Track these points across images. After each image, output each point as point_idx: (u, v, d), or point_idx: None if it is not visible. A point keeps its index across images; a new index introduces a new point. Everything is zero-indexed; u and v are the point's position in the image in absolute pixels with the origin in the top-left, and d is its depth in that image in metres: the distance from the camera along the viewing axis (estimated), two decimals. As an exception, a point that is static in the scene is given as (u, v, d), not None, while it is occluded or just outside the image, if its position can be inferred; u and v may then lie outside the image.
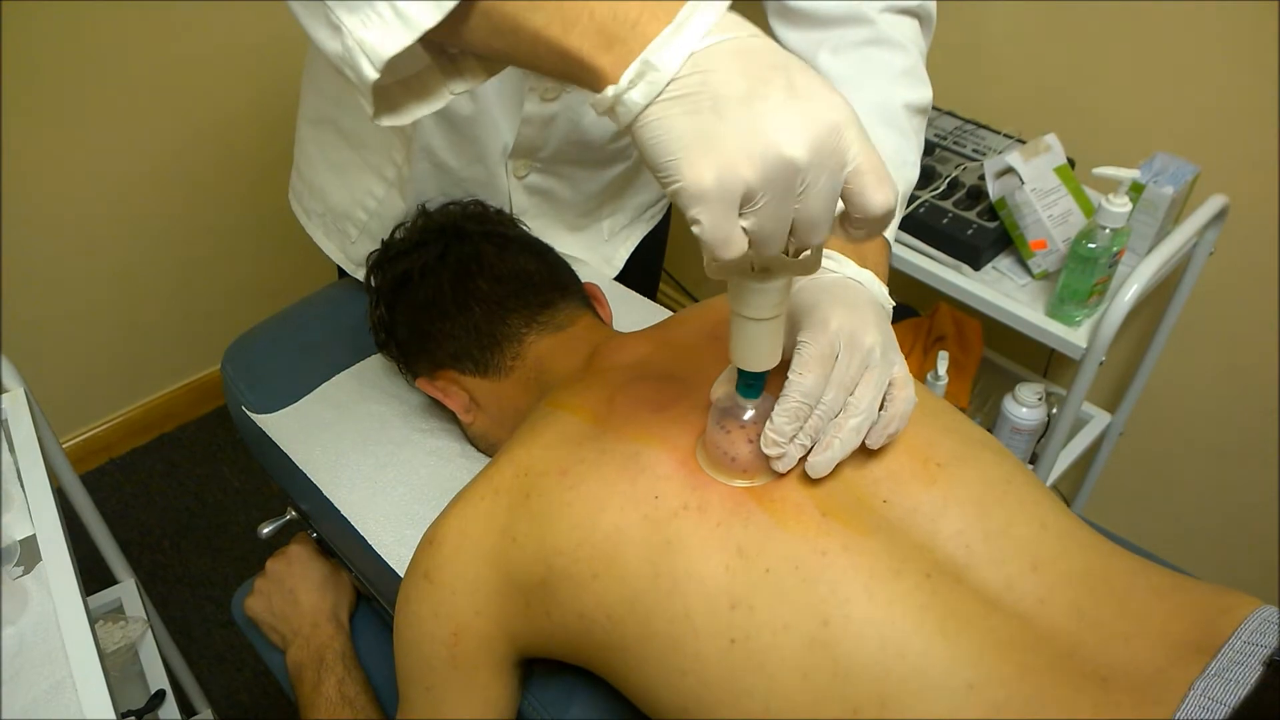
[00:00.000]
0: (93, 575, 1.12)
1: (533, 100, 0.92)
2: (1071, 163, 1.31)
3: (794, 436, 0.63)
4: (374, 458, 0.93)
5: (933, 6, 0.86)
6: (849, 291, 0.67)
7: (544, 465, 0.70)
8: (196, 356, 2.02)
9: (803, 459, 0.64)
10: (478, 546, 0.69)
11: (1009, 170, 1.26)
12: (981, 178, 1.32)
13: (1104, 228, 1.14)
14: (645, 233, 1.21)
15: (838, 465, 0.66)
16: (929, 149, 1.41)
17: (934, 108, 1.49)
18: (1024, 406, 1.33)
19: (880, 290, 0.71)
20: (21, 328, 1.69)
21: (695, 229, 0.46)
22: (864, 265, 0.71)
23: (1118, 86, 1.43)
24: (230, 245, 1.95)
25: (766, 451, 0.63)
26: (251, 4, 1.69)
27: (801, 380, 0.62)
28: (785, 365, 0.63)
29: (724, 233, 0.46)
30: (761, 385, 0.63)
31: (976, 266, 1.30)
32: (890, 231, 0.77)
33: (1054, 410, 1.39)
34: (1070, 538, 0.68)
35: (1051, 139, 1.29)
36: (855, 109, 0.50)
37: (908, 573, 0.61)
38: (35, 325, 1.73)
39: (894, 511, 0.65)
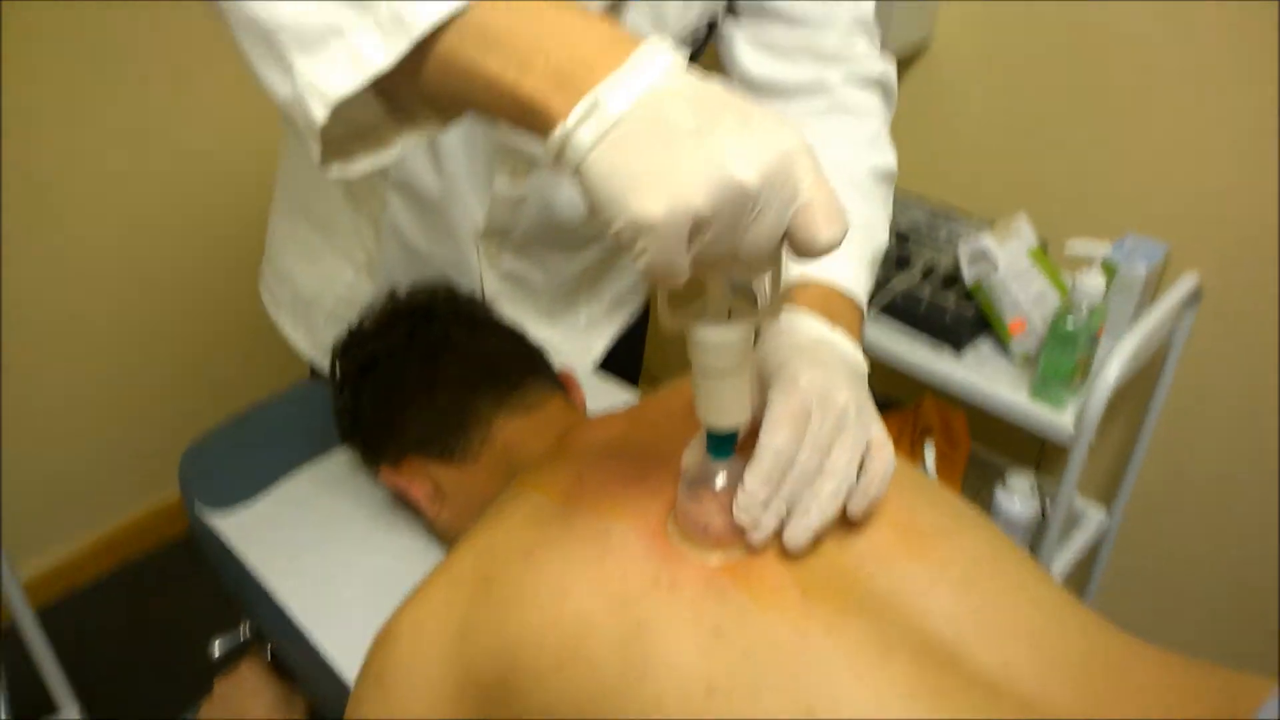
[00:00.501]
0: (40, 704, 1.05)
1: (502, 179, 0.91)
2: (1043, 245, 1.32)
3: (768, 502, 0.59)
4: (333, 559, 0.88)
5: (894, 78, 0.87)
6: (819, 350, 0.65)
7: (507, 548, 0.65)
8: (165, 477, 1.97)
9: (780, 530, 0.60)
10: (434, 642, 0.64)
11: (983, 254, 1.26)
12: (956, 263, 1.32)
13: (1080, 305, 1.12)
14: (624, 323, 1.19)
15: (819, 541, 0.62)
16: (901, 238, 1.41)
17: (904, 196, 1.51)
18: (1016, 495, 1.29)
19: (853, 351, 0.69)
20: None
21: (640, 261, 0.44)
22: (835, 325, 0.69)
23: (1085, 170, 1.45)
24: (195, 365, 1.92)
25: (739, 520, 0.59)
26: (218, 114, 1.71)
27: (773, 440, 0.58)
28: (757, 431, 0.60)
29: (670, 263, 0.44)
30: (732, 446, 0.59)
31: (958, 348, 1.28)
32: (862, 291, 0.75)
33: (1048, 502, 1.35)
34: (1066, 616, 0.63)
35: (1022, 220, 1.30)
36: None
37: (895, 654, 0.56)
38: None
39: (879, 586, 0.61)
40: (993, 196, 1.51)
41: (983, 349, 1.30)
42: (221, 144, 1.73)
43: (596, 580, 0.60)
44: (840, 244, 0.47)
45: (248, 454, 1.01)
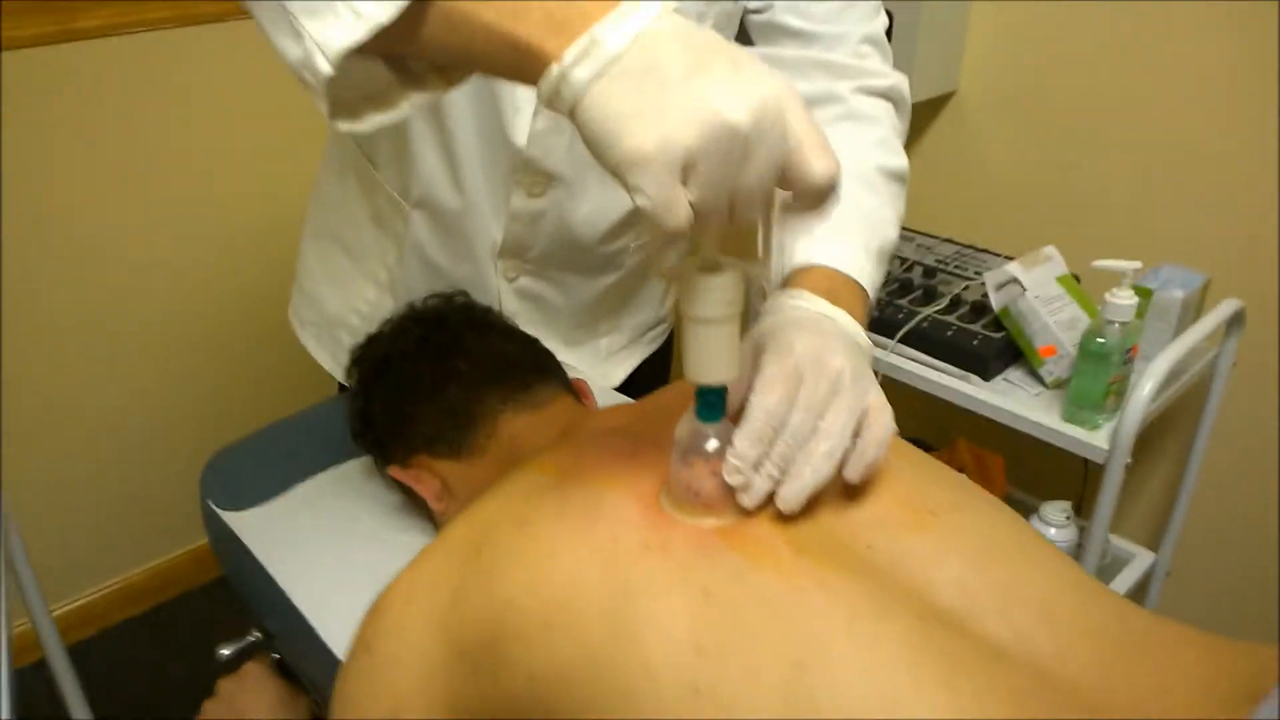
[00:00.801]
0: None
1: (519, 195, 0.93)
2: (1076, 278, 1.30)
3: (758, 464, 0.57)
4: (342, 556, 0.88)
5: (905, 90, 0.87)
6: (817, 323, 0.64)
7: (500, 518, 0.65)
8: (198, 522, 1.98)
9: (773, 496, 0.58)
10: (425, 610, 0.63)
11: (1011, 280, 1.24)
12: (984, 294, 1.30)
13: (1112, 322, 1.10)
14: (644, 356, 1.19)
15: (816, 510, 0.60)
16: (929, 273, 1.40)
17: (933, 235, 1.50)
18: (1052, 525, 1.25)
19: (854, 327, 0.68)
20: (15, 489, 1.67)
21: (639, 199, 0.45)
22: (836, 304, 0.68)
23: (1115, 206, 1.43)
24: (231, 413, 1.94)
25: (729, 481, 0.58)
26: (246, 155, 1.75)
27: (764, 400, 0.57)
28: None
29: (667, 198, 0.45)
30: (722, 405, 0.58)
31: (986, 377, 1.26)
32: (867, 279, 0.74)
33: (1085, 536, 1.30)
34: (1088, 590, 0.60)
35: (1051, 250, 1.28)
36: None
37: (895, 614, 0.54)
38: (29, 487, 1.70)
39: (880, 557, 0.59)
40: (1023, 237, 1.49)
41: (1013, 377, 1.27)
42: (254, 180, 1.77)
43: (586, 544, 0.59)
44: (836, 180, 0.48)
45: (267, 463, 1.02)
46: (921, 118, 1.63)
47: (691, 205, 0.46)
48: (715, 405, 0.58)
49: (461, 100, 0.87)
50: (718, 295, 0.53)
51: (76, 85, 1.54)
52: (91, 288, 1.66)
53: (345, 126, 0.58)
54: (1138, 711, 0.52)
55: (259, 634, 0.99)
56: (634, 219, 0.99)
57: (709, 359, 0.55)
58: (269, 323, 1.81)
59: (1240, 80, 1.27)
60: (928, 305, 1.34)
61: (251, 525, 0.92)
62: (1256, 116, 1.27)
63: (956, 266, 1.43)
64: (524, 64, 0.49)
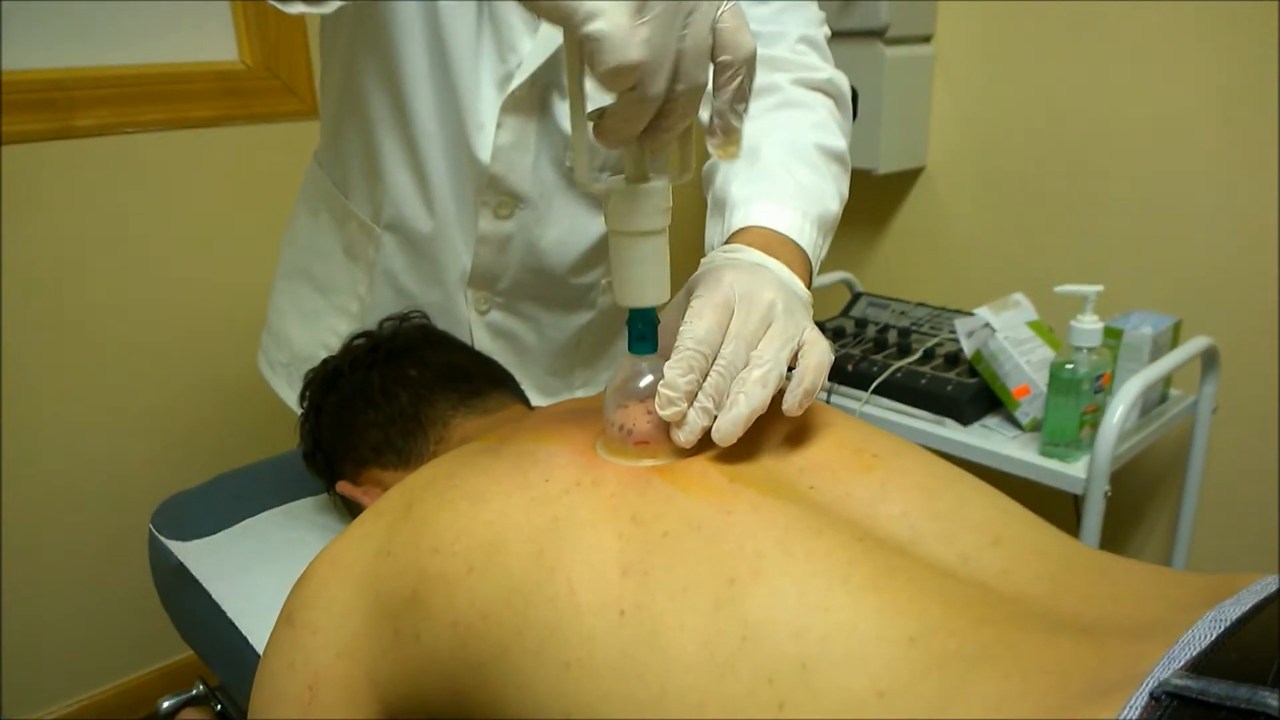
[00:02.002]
0: None
1: (486, 216, 0.93)
2: (1048, 328, 1.30)
3: (692, 394, 0.56)
4: (287, 582, 0.84)
5: (843, 85, 0.89)
6: (749, 265, 0.64)
7: (432, 475, 0.62)
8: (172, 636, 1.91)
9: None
10: (348, 573, 0.60)
11: (982, 326, 1.24)
12: (958, 348, 1.30)
13: (1079, 348, 1.09)
14: None
15: (756, 453, 0.59)
16: (904, 333, 1.40)
17: (907, 300, 1.51)
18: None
19: (788, 275, 0.67)
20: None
21: (590, 28, 0.45)
22: (773, 257, 0.68)
23: (1083, 263, 1.45)
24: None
25: (661, 413, 0.56)
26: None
27: (693, 328, 0.56)
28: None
29: (623, 33, 0.45)
30: (654, 334, 0.57)
31: (963, 421, 1.24)
32: (806, 241, 0.74)
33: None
34: (1033, 521, 0.58)
35: (1020, 297, 1.29)
36: (768, 149, 0.63)
37: (832, 534, 0.51)
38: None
39: (822, 497, 0.56)
40: (995, 298, 1.51)
41: (991, 423, 1.25)
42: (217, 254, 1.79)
43: (517, 486, 0.57)
44: (754, 46, 0.50)
45: (218, 502, 1.00)
46: (893, 191, 1.68)
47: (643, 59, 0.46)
48: (647, 335, 0.57)
49: (428, 117, 0.89)
50: (649, 204, 0.53)
51: (72, 179, 1.59)
52: (80, 369, 1.67)
53: (298, 7, 0.61)
54: (1090, 617, 0.48)
55: (203, 687, 0.95)
56: (604, 250, 1.00)
57: (639, 278, 0.55)
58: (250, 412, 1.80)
59: (1199, 134, 1.31)
60: (902, 358, 1.33)
61: (196, 554, 0.90)
62: (1219, 170, 1.30)
63: (931, 327, 1.43)
64: None
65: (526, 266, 0.97)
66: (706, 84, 0.50)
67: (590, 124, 0.52)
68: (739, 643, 0.46)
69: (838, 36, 1.50)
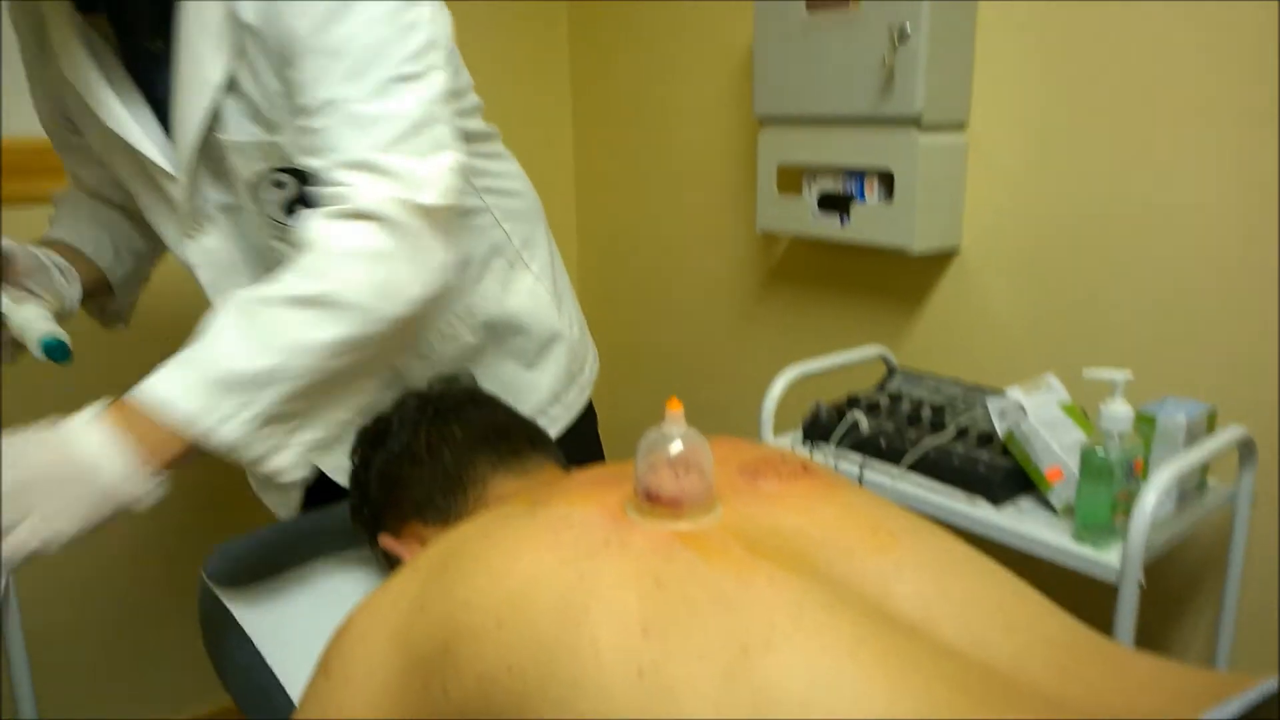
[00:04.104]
0: None
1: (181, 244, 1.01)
2: (1082, 410, 1.30)
3: None
4: (328, 632, 0.86)
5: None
6: None
7: (466, 534, 0.65)
8: (202, 685, 1.93)
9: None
10: (384, 625, 0.62)
11: (1014, 406, 1.25)
12: (990, 425, 1.30)
13: (1110, 433, 1.09)
14: (560, 428, 1.18)
15: (778, 526, 0.61)
16: (936, 409, 1.41)
17: (938, 376, 1.52)
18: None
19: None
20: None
21: None
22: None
23: (1118, 346, 1.45)
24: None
25: None
26: None
27: None
28: None
29: None
30: (56, 341, 0.92)
31: (995, 502, 1.23)
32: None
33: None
34: (1045, 606, 0.59)
35: (1052, 378, 1.29)
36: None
37: (845, 609, 0.53)
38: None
39: (838, 573, 0.58)
40: (1028, 377, 1.52)
41: (1024, 505, 1.25)
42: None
43: (549, 546, 0.59)
44: None
45: (268, 552, 1.02)
46: (929, 271, 1.70)
47: None
48: (60, 346, 0.87)
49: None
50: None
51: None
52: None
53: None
54: (1096, 708, 0.49)
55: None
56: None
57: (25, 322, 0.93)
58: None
59: (1235, 221, 1.32)
60: (934, 435, 1.34)
61: (243, 601, 0.92)
62: (1255, 257, 1.30)
63: (965, 404, 1.44)
64: None
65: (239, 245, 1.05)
66: None
67: None
68: (749, 711, 0.48)
69: (875, 123, 1.55)
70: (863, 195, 1.62)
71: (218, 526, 1.86)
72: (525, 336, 1.13)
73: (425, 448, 0.86)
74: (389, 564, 0.89)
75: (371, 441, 0.91)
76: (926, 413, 1.41)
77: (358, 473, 0.92)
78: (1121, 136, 1.42)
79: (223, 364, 0.72)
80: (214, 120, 0.90)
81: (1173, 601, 1.46)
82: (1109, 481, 1.09)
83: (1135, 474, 1.11)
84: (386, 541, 0.86)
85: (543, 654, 0.53)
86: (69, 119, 1.03)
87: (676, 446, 0.60)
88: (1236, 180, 1.32)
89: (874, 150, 1.58)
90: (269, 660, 0.85)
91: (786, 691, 0.48)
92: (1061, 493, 1.20)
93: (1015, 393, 1.24)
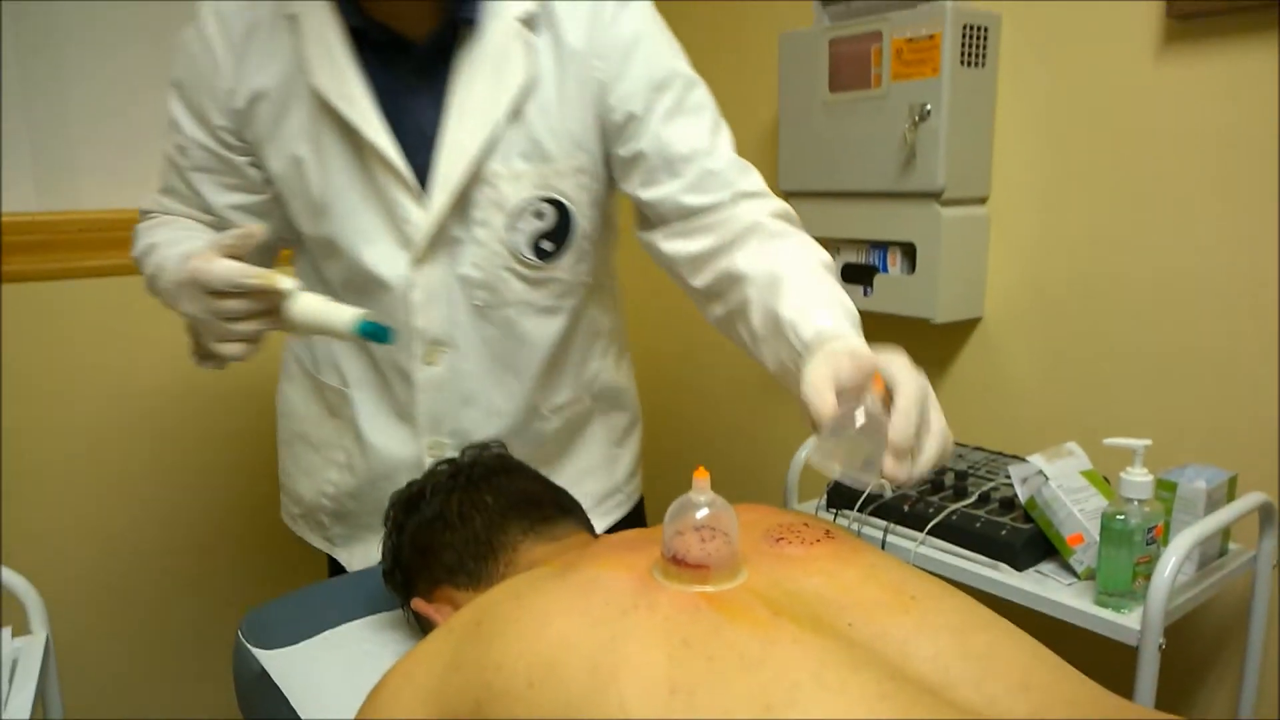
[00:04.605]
0: None
1: (417, 367, 1.07)
2: (1106, 480, 1.32)
3: (913, 441, 0.68)
4: (363, 693, 0.90)
5: (791, 209, 1.02)
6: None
7: (499, 596, 0.69)
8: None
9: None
10: (418, 686, 0.66)
11: (1036, 473, 1.27)
12: (1013, 492, 1.32)
13: (1130, 500, 1.11)
14: (603, 528, 1.24)
15: (800, 589, 0.65)
16: (960, 475, 1.43)
17: (963, 444, 1.55)
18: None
19: None
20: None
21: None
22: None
23: (1140, 414, 1.48)
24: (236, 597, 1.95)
25: (898, 440, 0.67)
26: None
27: (911, 380, 0.71)
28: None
29: None
30: (383, 328, 0.87)
31: (1017, 567, 1.25)
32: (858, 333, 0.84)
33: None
34: (1064, 669, 0.62)
35: (1074, 446, 1.32)
36: (788, 274, 0.84)
37: (866, 669, 0.56)
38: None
39: (859, 634, 0.62)
40: (1051, 444, 1.54)
41: (1046, 569, 1.27)
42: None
43: (579, 609, 0.63)
44: None
45: (303, 614, 1.06)
46: (952, 340, 1.74)
47: None
48: (377, 327, 0.84)
49: (349, 293, 1.05)
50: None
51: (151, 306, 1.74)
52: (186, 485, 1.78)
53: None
54: None
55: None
56: (527, 372, 1.10)
57: (331, 315, 0.86)
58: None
59: (1253, 290, 1.35)
60: (958, 501, 1.36)
61: (279, 662, 0.96)
62: (1270, 323, 1.33)
63: (988, 471, 1.46)
64: None
65: (466, 403, 1.09)
66: None
67: None
68: None
69: (898, 198, 1.61)
70: (885, 267, 1.67)
71: (257, 584, 1.90)
72: (620, 414, 1.25)
73: (457, 514, 0.91)
74: (421, 627, 0.93)
75: (405, 507, 0.95)
76: (950, 479, 1.43)
77: (390, 537, 0.96)
78: (1139, 207, 1.46)
79: (850, 306, 0.88)
80: (489, 151, 0.99)
81: (1195, 665, 1.46)
82: (1129, 546, 1.11)
83: (1155, 539, 1.13)
84: (419, 605, 0.90)
85: (573, 714, 0.57)
86: (238, 138, 1.04)
87: (703, 513, 0.64)
88: (1247, 248, 1.35)
89: (896, 224, 1.64)
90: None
91: None
92: (1083, 557, 1.22)
93: (1037, 460, 1.27)
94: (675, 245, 1.01)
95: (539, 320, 1.08)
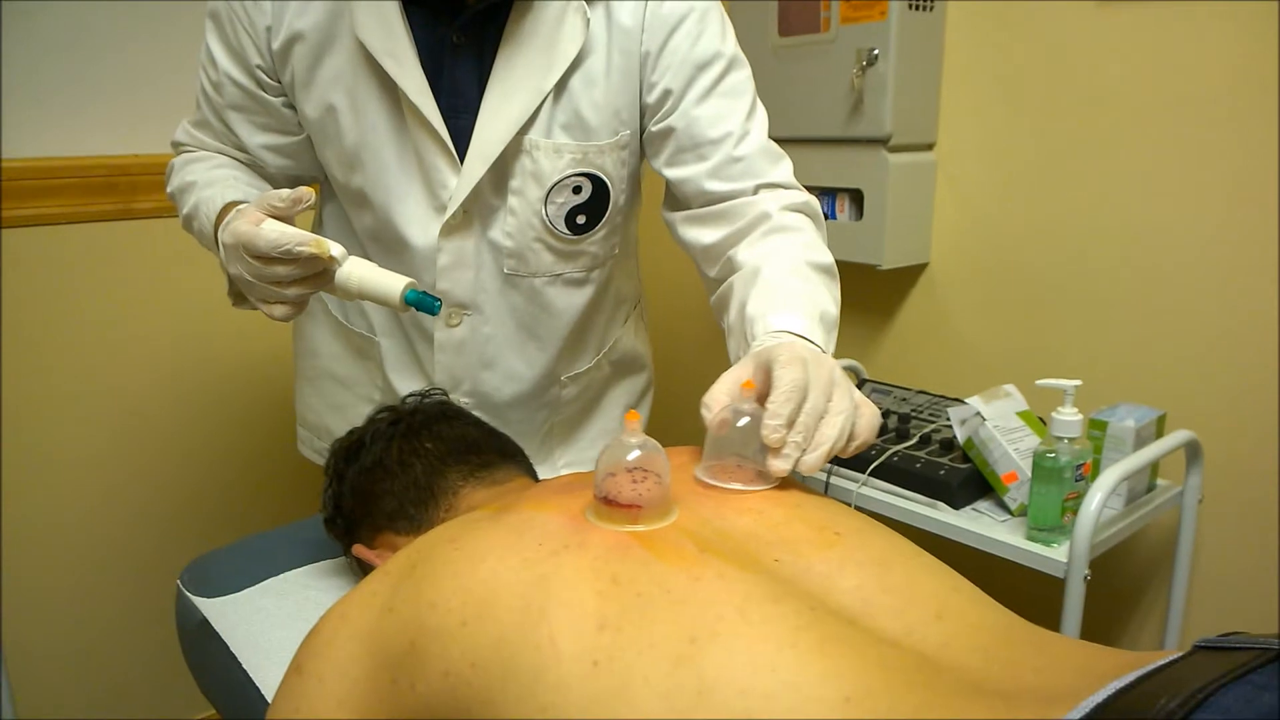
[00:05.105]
0: None
1: (440, 327, 1.06)
2: (1042, 421, 1.35)
3: (792, 423, 0.68)
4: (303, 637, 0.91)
5: (817, 207, 1.02)
6: (803, 345, 0.79)
7: (434, 539, 0.70)
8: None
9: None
10: (354, 627, 0.67)
11: (974, 414, 1.30)
12: (952, 433, 1.35)
13: (1060, 438, 1.15)
14: None
15: (729, 527, 0.66)
16: (903, 418, 1.46)
17: (905, 387, 1.58)
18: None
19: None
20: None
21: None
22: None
23: (1076, 355, 1.51)
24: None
25: (769, 438, 0.68)
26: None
27: (786, 372, 0.69)
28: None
29: None
30: (428, 297, 0.83)
31: (954, 505, 1.29)
32: (819, 339, 0.84)
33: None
34: (978, 597, 0.64)
35: (1011, 388, 1.35)
36: (767, 270, 0.83)
37: (789, 601, 0.58)
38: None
39: (785, 570, 0.63)
40: (992, 387, 1.58)
41: (981, 507, 1.31)
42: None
43: (512, 549, 0.64)
44: None
45: (244, 563, 1.07)
46: (898, 285, 1.76)
47: None
48: (426, 299, 0.83)
49: (377, 248, 1.05)
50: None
51: (131, 255, 1.71)
52: (117, 434, 1.76)
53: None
54: (1017, 686, 0.54)
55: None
56: (549, 342, 1.11)
57: (382, 285, 0.83)
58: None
59: (1188, 235, 1.38)
60: (900, 443, 1.39)
61: (220, 610, 0.96)
62: (1207, 269, 1.37)
63: (930, 414, 1.49)
64: None
65: (484, 366, 1.09)
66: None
67: None
68: (695, 697, 0.52)
69: (845, 144, 1.61)
70: (834, 213, 1.68)
71: (198, 537, 1.90)
72: (637, 377, 1.26)
73: (397, 461, 0.91)
74: (363, 573, 0.94)
75: (345, 455, 0.95)
76: (893, 422, 1.46)
77: (331, 485, 0.96)
78: (1082, 155, 1.48)
79: (825, 308, 0.88)
80: (529, 121, 0.97)
81: (1124, 597, 1.52)
82: (1059, 483, 1.15)
83: (1084, 476, 1.16)
84: (361, 551, 0.91)
85: (505, 650, 0.58)
86: (274, 81, 1.00)
87: (634, 454, 0.65)
88: (1182, 198, 1.38)
89: (844, 170, 1.65)
90: (247, 667, 0.89)
91: (729, 677, 0.53)
92: (1016, 495, 1.26)
93: (975, 402, 1.30)
94: (692, 233, 1.01)
95: (566, 291, 1.07)
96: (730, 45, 1.01)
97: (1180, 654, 0.52)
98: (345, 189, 1.03)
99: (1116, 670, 0.53)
